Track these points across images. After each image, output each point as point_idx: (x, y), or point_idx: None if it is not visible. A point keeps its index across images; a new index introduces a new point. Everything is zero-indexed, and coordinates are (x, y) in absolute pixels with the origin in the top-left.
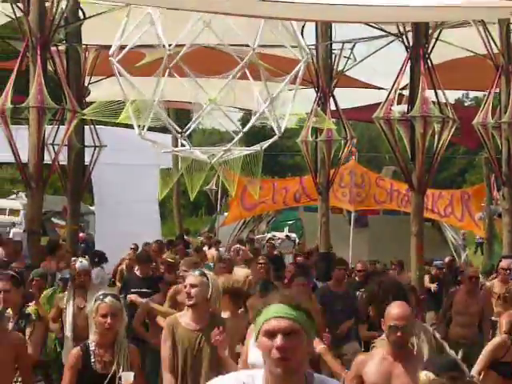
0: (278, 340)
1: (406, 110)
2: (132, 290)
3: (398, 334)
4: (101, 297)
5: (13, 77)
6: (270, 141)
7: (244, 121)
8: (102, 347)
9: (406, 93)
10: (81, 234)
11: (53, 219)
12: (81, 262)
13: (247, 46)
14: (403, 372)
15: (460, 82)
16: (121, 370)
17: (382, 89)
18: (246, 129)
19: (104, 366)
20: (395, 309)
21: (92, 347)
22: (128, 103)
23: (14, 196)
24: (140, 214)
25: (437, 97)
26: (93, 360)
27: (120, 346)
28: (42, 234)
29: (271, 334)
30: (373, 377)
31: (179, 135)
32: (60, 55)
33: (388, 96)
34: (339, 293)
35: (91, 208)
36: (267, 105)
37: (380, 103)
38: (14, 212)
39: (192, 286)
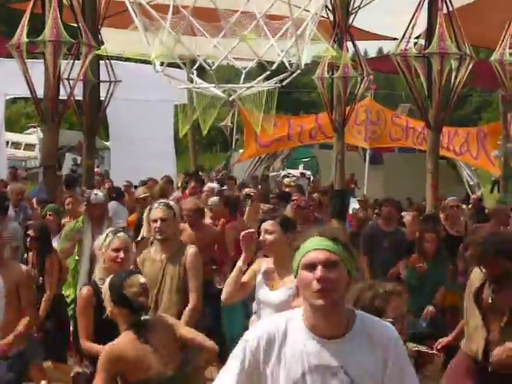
0: (318, 271)
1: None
2: None
3: None
4: (111, 232)
5: (28, 10)
6: (291, 76)
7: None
8: None
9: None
10: (96, 169)
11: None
12: (95, 195)
13: None
14: None
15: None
16: None
17: (396, 39)
18: (274, 66)
19: None
20: None
21: (100, 284)
22: (154, 47)
23: (30, 130)
24: (155, 150)
25: (454, 33)
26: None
27: None
28: (57, 169)
29: (311, 267)
30: None
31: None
32: None
33: (405, 32)
34: (388, 230)
35: (106, 144)
36: (294, 40)
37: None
38: (29, 146)
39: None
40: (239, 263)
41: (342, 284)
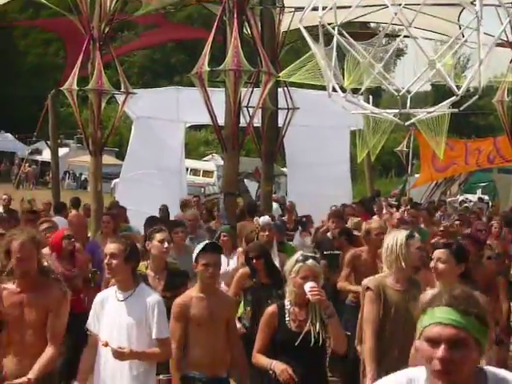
0: (441, 351)
1: None
2: (324, 253)
3: None
4: (301, 258)
5: (210, 40)
6: (470, 101)
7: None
8: (297, 306)
9: None
10: (274, 196)
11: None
12: (263, 217)
13: None
14: None
15: None
16: (315, 328)
17: None
18: (461, 91)
19: (298, 324)
20: None
21: (287, 306)
22: (356, 70)
23: (208, 157)
24: (331, 176)
25: None
26: (287, 318)
27: (314, 306)
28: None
29: (434, 342)
30: None
31: (397, 95)
32: (255, 18)
33: None
34: None
35: (283, 170)
36: (479, 65)
37: None
38: (207, 173)
39: None
40: None
41: (470, 363)
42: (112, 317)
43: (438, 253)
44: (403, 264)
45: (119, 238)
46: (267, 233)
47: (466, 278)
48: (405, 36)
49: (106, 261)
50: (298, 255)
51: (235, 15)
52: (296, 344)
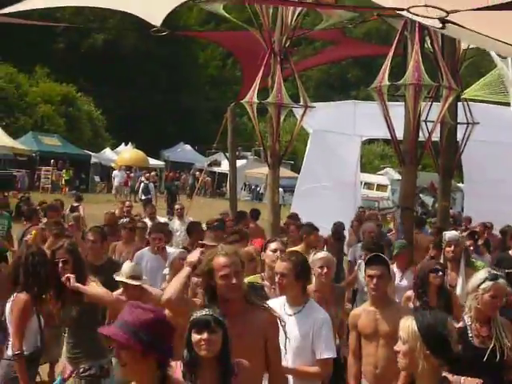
0: None
1: None
2: (506, 271)
3: None
4: (490, 276)
5: (390, 54)
6: None
7: None
8: (478, 322)
9: None
10: (450, 211)
11: (420, 195)
12: (450, 233)
13: None
14: None
15: None
16: (500, 344)
17: None
18: None
19: (482, 340)
20: None
21: (468, 322)
22: None
23: (383, 171)
24: (508, 193)
25: None
26: (470, 334)
27: (497, 322)
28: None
29: None
30: None
31: None
32: (435, 32)
33: None
34: None
35: (458, 185)
36: None
37: None
38: (381, 187)
39: None
40: None
41: None
42: None
43: None
44: None
45: (290, 256)
46: (453, 248)
47: None
48: None
49: (276, 279)
50: (486, 273)
51: (417, 29)
52: (484, 360)
